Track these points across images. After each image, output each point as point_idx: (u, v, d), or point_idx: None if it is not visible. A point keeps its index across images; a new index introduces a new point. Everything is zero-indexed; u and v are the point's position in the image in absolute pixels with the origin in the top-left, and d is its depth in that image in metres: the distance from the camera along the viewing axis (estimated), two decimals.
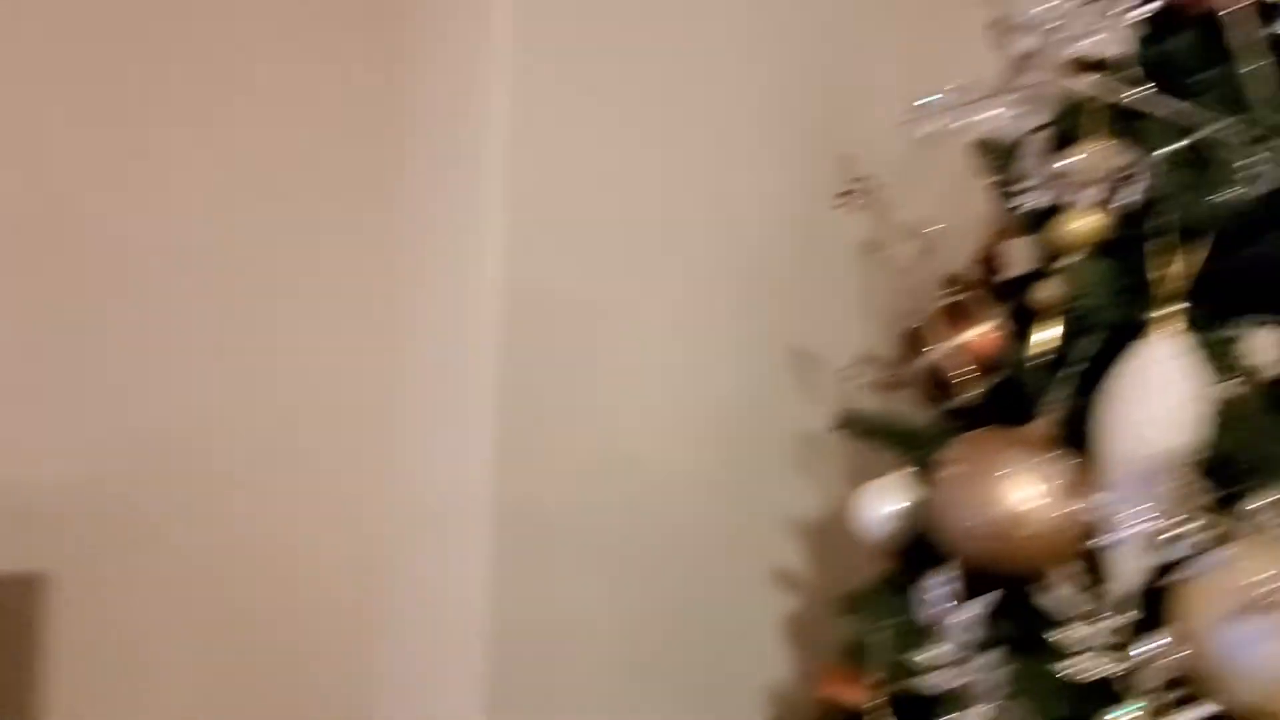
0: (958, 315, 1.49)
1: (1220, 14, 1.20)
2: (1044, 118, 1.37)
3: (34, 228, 1.69)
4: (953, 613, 1.22)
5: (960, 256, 1.59)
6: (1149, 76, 1.26)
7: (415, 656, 1.87)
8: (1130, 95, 1.25)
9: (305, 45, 1.87)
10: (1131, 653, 1.11)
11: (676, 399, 1.85)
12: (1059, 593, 1.17)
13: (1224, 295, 1.20)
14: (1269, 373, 1.20)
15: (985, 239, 1.54)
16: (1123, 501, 1.15)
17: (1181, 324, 1.20)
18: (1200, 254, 1.21)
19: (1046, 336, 1.35)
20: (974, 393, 1.45)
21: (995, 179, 1.46)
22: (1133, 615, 1.13)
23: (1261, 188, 1.13)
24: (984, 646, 1.21)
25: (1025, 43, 1.36)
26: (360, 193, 1.90)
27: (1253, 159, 1.13)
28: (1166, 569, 1.12)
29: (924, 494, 1.42)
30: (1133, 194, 1.26)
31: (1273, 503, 1.04)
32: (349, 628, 1.89)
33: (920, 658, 1.24)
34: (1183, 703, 1.09)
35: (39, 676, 1.67)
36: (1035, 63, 1.36)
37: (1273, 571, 1.00)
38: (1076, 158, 1.31)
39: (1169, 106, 1.22)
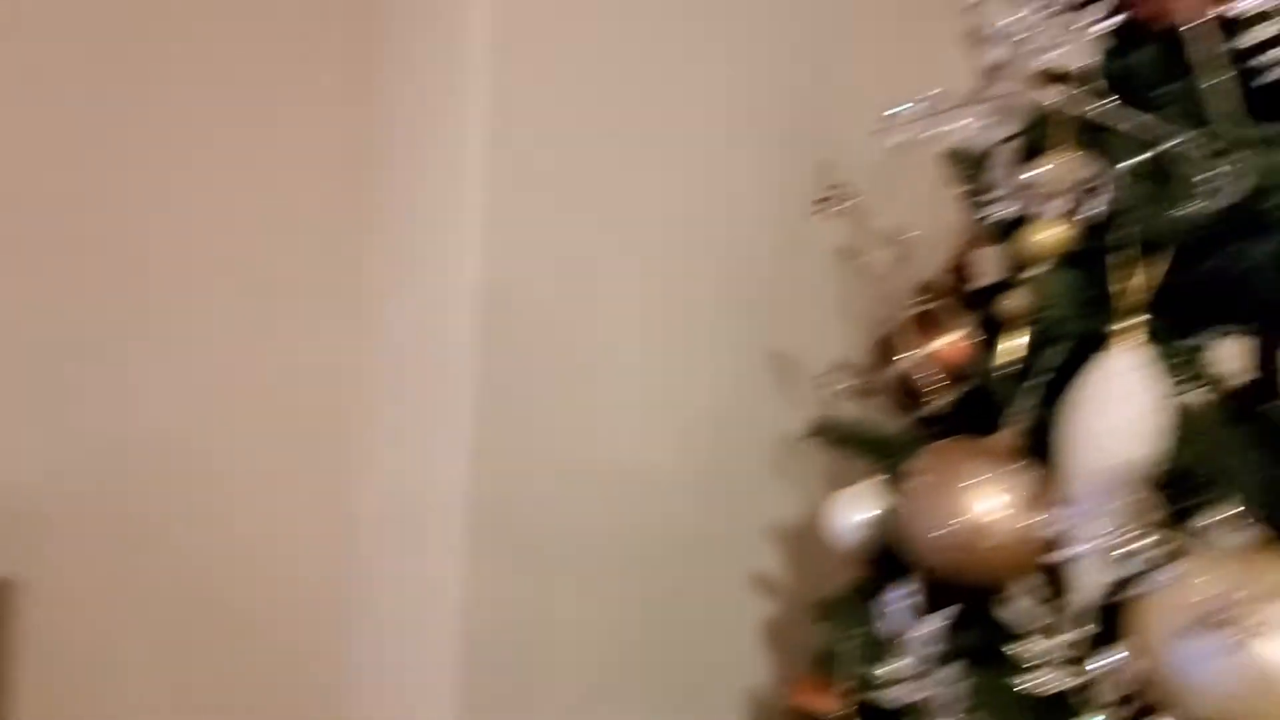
0: (928, 324, 1.49)
1: (1182, 29, 1.20)
2: (1013, 128, 1.37)
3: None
4: (913, 626, 1.22)
5: (937, 264, 1.59)
6: (1113, 90, 1.26)
7: (390, 659, 1.88)
8: (1094, 108, 1.25)
9: (282, 46, 1.87)
10: (1089, 667, 1.11)
11: (654, 403, 1.85)
12: (1019, 605, 1.17)
13: (1185, 308, 1.20)
14: (1228, 385, 1.20)
15: (956, 248, 1.54)
16: (1082, 514, 1.15)
17: (1143, 336, 1.20)
18: (1161, 267, 1.21)
19: (1013, 347, 1.35)
20: (943, 401, 1.46)
21: (965, 188, 1.46)
22: (1090, 629, 1.13)
23: (1221, 201, 1.13)
24: (944, 660, 1.22)
25: (995, 54, 1.36)
26: (337, 195, 1.90)
27: (1213, 173, 1.13)
28: (1125, 583, 1.12)
29: (893, 502, 1.42)
30: (1097, 206, 1.26)
31: (1227, 517, 1.04)
32: (323, 631, 1.90)
33: (881, 671, 1.24)
34: (1139, 717, 1.10)
35: (8, 680, 1.67)
36: (1005, 74, 1.36)
37: (1225, 588, 1.00)
38: (1043, 169, 1.31)
39: (1132, 120, 1.22)
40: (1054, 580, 1.20)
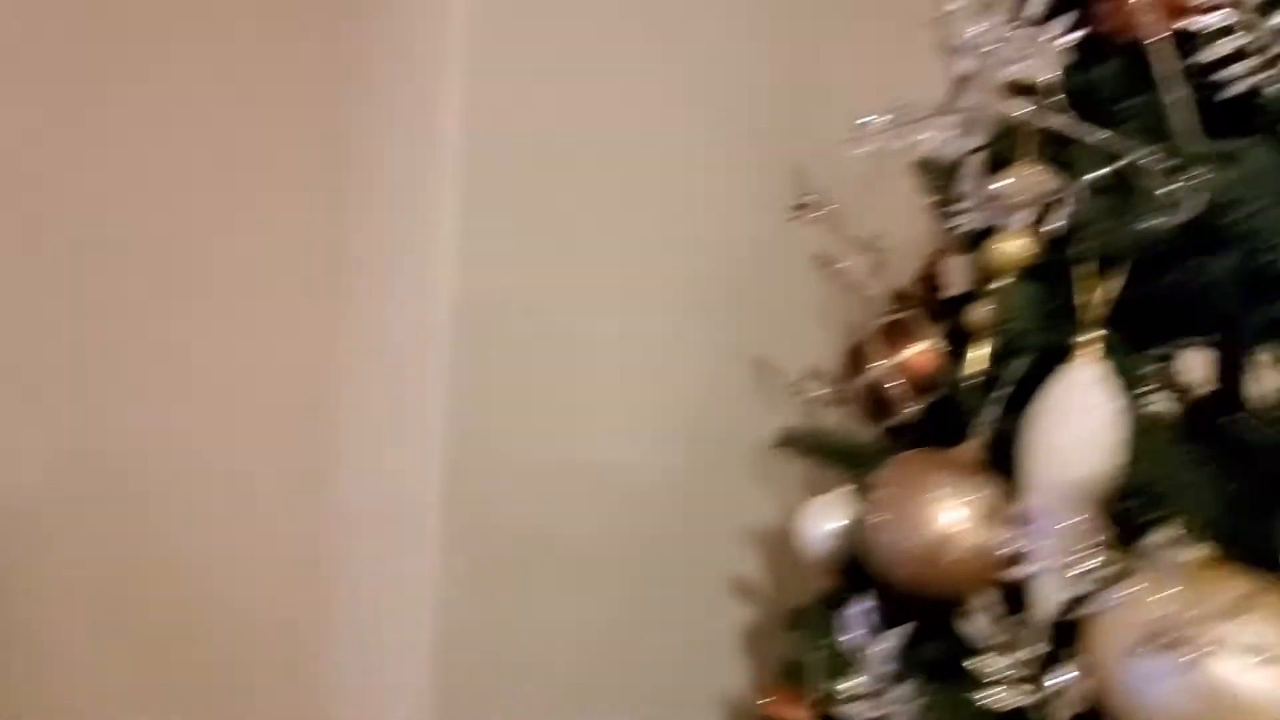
0: (898, 333, 1.49)
1: (1143, 43, 1.19)
2: (981, 139, 1.37)
3: None
4: (871, 642, 1.22)
5: (910, 272, 1.59)
6: (1076, 103, 1.26)
7: (365, 660, 1.88)
8: (1057, 121, 1.25)
9: (259, 47, 1.86)
10: (1045, 684, 1.11)
11: (632, 406, 1.86)
12: (978, 621, 1.17)
13: (1145, 321, 1.20)
14: (1184, 400, 1.20)
15: (927, 257, 1.54)
16: (1039, 530, 1.15)
17: (1101, 350, 1.20)
18: (1120, 280, 1.21)
19: (979, 358, 1.35)
20: (912, 411, 1.46)
21: (936, 198, 1.46)
22: (1044, 647, 1.13)
23: (1180, 217, 1.13)
24: (902, 676, 1.22)
25: (964, 64, 1.36)
26: (310, 200, 1.89)
27: (1172, 187, 1.13)
28: (1079, 600, 1.12)
29: (859, 513, 1.42)
30: (1060, 219, 1.26)
31: (1180, 535, 1.04)
32: (294, 641, 1.90)
33: (840, 687, 1.24)
34: None
35: None
36: (973, 85, 1.36)
37: (1176, 608, 1.00)
38: (1007, 181, 1.31)
39: (1094, 134, 1.22)
40: (1012, 596, 1.20)
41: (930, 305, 1.51)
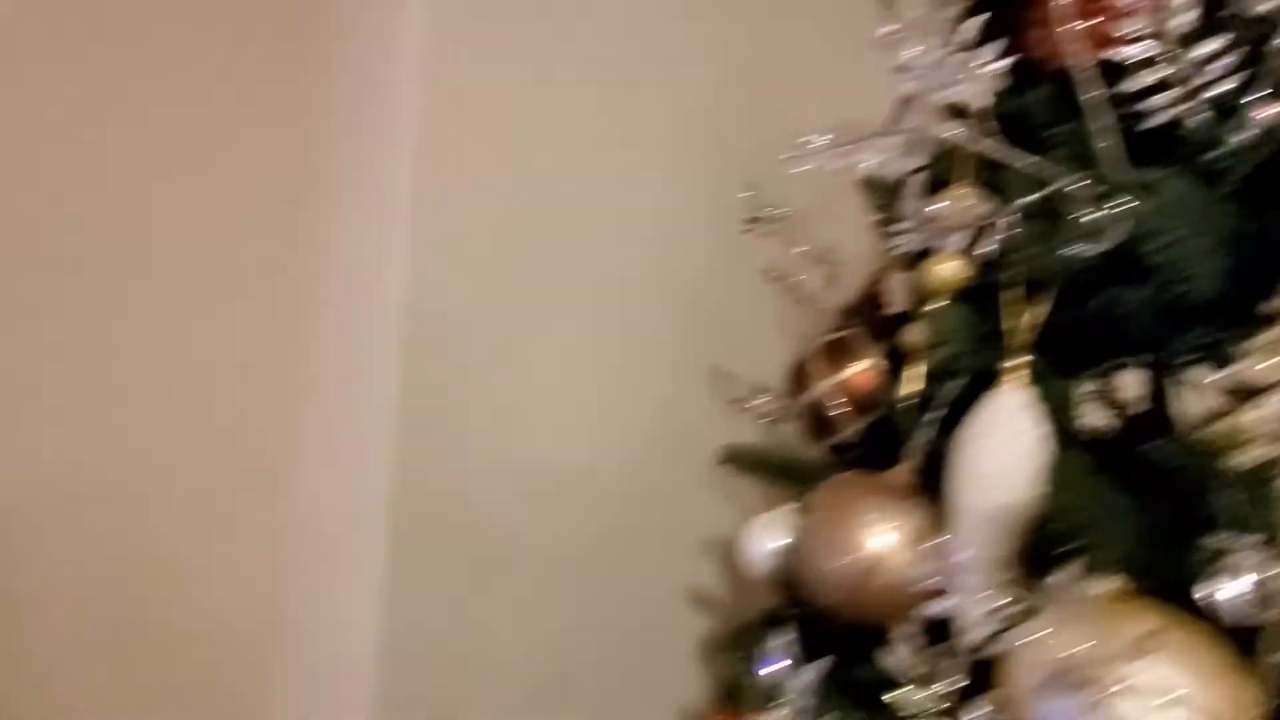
0: (840, 351, 1.49)
1: (1072, 71, 1.19)
2: (922, 160, 1.37)
3: None
4: (791, 675, 1.22)
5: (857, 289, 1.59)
6: (1009, 128, 1.26)
7: (311, 674, 1.88)
8: (988, 146, 1.25)
9: (211, 57, 1.85)
10: (961, 719, 1.11)
11: (588, 417, 1.86)
12: (898, 652, 1.17)
13: (1069, 348, 1.20)
14: (1119, 420, 1.20)
15: (870, 275, 1.54)
16: (959, 560, 1.15)
17: (1028, 375, 1.20)
18: (1047, 306, 1.21)
19: (914, 379, 1.35)
20: (852, 430, 1.46)
21: (879, 217, 1.46)
22: (963, 680, 1.13)
23: (1104, 244, 1.13)
24: (823, 709, 1.22)
25: (905, 86, 1.36)
26: (264, 206, 1.89)
27: (1096, 215, 1.13)
28: (995, 634, 1.12)
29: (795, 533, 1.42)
30: (992, 243, 1.26)
31: (1093, 568, 1.04)
32: (245, 644, 1.89)
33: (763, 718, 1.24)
34: None
35: None
36: (914, 106, 1.36)
37: (1085, 644, 1.00)
38: (942, 203, 1.31)
39: (1023, 159, 1.22)
40: (935, 627, 1.19)
41: (873, 323, 1.50)
